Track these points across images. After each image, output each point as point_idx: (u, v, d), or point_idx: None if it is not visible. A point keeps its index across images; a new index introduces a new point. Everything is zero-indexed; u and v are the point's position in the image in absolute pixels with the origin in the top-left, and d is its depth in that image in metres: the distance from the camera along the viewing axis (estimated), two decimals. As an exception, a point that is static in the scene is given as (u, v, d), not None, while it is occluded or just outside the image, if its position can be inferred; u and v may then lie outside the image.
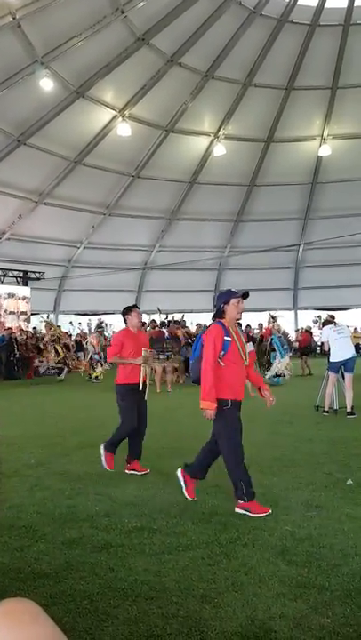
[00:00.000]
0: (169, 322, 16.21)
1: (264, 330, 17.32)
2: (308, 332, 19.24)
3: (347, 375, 8.94)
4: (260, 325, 19.14)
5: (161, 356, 13.34)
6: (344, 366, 8.98)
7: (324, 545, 3.56)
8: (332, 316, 9.68)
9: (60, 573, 3.23)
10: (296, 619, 2.67)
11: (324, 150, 22.89)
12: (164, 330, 14.09)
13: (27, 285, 23.71)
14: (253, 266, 27.00)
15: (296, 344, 21.57)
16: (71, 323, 25.26)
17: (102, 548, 3.60)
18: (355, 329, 27.58)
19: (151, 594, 2.95)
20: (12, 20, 14.72)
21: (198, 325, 17.58)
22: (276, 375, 14.40)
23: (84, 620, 2.70)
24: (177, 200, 24.79)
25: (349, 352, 8.95)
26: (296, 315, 29.06)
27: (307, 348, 17.83)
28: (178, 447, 6.69)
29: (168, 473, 5.40)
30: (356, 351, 24.79)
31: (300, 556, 3.40)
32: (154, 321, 16.97)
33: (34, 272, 24.04)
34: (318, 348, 19.59)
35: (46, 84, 16.86)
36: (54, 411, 10.61)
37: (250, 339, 12.75)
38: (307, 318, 26.74)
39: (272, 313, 16.74)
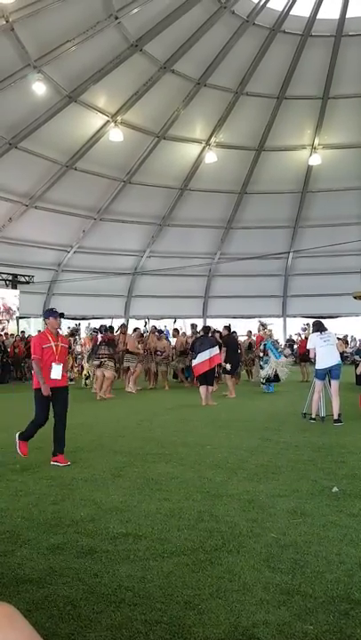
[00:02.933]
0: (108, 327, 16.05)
1: (255, 337, 17.32)
2: (308, 338, 19.27)
3: (333, 382, 8.98)
4: (249, 332, 19.15)
5: (95, 362, 13.27)
6: (330, 373, 9.01)
7: (309, 552, 3.56)
8: (320, 322, 9.66)
9: (43, 579, 3.21)
10: (280, 626, 2.67)
11: (315, 159, 23.07)
12: (99, 336, 13.72)
13: (15, 288, 23.61)
14: (243, 273, 27.10)
15: (288, 350, 21.59)
16: (68, 327, 25.13)
17: (87, 553, 3.58)
18: (343, 337, 27.74)
19: (135, 600, 2.94)
20: (5, 23, 14.72)
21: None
22: (268, 381, 14.39)
23: (66, 626, 2.68)
24: (168, 206, 24.85)
25: (335, 359, 8.98)
26: (285, 322, 29.16)
27: (306, 354, 17.88)
28: (165, 453, 6.67)
29: (154, 479, 5.39)
30: (342, 360, 24.80)
31: (285, 563, 3.40)
32: (124, 325, 16.79)
33: (23, 275, 23.94)
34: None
35: (39, 87, 16.87)
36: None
37: (217, 343, 12.55)
38: (295, 326, 26.84)
39: (262, 321, 16.77)
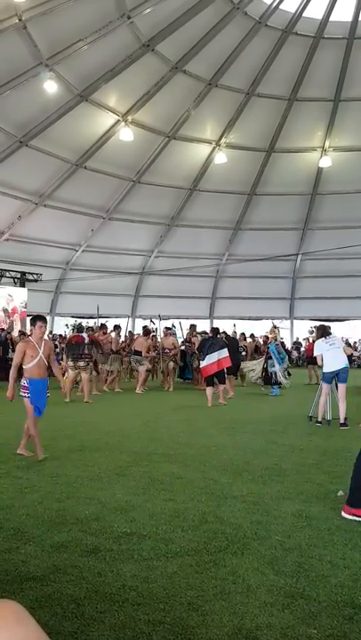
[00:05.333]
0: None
1: (270, 338, 17.17)
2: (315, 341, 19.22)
3: (340, 386, 8.94)
4: (252, 336, 19.12)
5: (80, 363, 12.55)
6: (337, 377, 8.98)
7: (314, 556, 3.55)
8: (324, 327, 9.62)
9: (47, 576, 3.21)
10: (283, 629, 2.66)
11: (325, 162, 23.00)
12: (84, 335, 13.20)
13: (24, 286, 23.70)
14: (251, 274, 27.06)
15: (295, 354, 21.61)
16: (67, 325, 25.26)
17: (91, 552, 3.58)
18: (346, 340, 27.63)
19: (138, 600, 2.94)
20: (18, 21, 14.76)
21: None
22: (274, 385, 14.32)
23: (69, 624, 2.68)
24: (177, 206, 24.85)
25: (341, 363, 8.94)
26: (292, 324, 29.10)
27: (313, 357, 17.80)
28: (169, 453, 6.67)
29: (159, 479, 5.39)
30: (349, 363, 24.52)
31: (289, 566, 3.39)
32: (103, 325, 15.88)
33: (31, 273, 24.03)
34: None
35: (50, 86, 16.91)
36: (45, 413, 10.54)
37: (225, 345, 12.42)
38: (303, 328, 26.77)
39: (275, 322, 16.75)
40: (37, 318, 6.56)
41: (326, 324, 10.09)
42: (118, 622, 2.71)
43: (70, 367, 12.73)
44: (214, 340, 12.16)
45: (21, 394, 6.38)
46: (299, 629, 2.66)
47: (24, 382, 6.40)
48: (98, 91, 18.51)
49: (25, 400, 6.38)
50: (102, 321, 17.17)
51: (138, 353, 14.83)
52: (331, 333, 9.36)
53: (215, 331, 12.92)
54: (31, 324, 6.62)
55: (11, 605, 0.91)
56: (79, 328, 13.99)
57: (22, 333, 20.95)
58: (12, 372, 6.48)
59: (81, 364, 12.58)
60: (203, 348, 12.17)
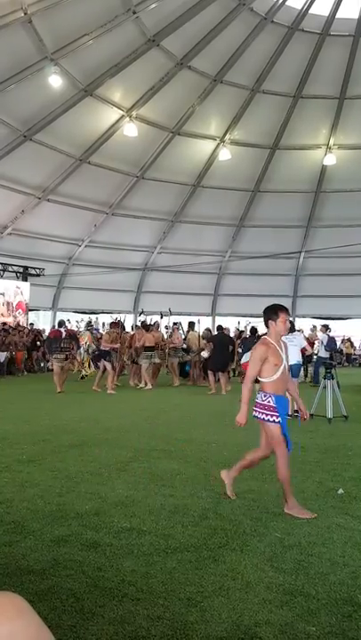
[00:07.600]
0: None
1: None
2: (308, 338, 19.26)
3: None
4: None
5: (59, 356, 13.39)
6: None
7: (313, 553, 3.55)
8: (291, 322, 9.84)
9: (47, 570, 3.22)
10: (282, 626, 2.67)
11: (330, 159, 22.93)
12: (62, 330, 13.98)
13: (26, 281, 23.70)
14: (254, 271, 27.01)
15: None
16: (69, 320, 25.25)
17: (91, 546, 3.59)
18: (349, 339, 27.58)
19: (137, 595, 2.95)
20: (23, 15, 14.71)
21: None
22: None
23: (69, 618, 2.69)
24: (180, 202, 24.81)
25: (290, 360, 9.18)
26: (294, 322, 29.07)
27: (308, 355, 17.84)
28: (170, 449, 6.68)
29: (159, 475, 5.40)
30: (348, 362, 24.60)
31: (289, 563, 3.39)
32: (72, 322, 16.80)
33: (34, 268, 24.03)
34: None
35: (55, 80, 16.85)
36: (46, 408, 10.59)
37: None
38: (305, 326, 26.72)
39: None
40: (279, 308, 4.43)
41: (328, 322, 10.15)
42: (117, 617, 2.72)
43: (54, 360, 13.69)
44: (251, 339, 12.92)
45: (264, 417, 4.40)
46: (297, 626, 2.66)
47: (267, 399, 4.41)
48: (102, 86, 18.47)
49: (271, 427, 4.35)
50: (104, 317, 17.39)
51: (148, 349, 14.85)
52: (293, 331, 9.59)
53: (253, 330, 13.49)
54: (268, 318, 4.45)
55: (12, 598, 0.91)
56: (59, 323, 14.56)
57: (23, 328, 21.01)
58: (248, 390, 4.51)
59: (60, 356, 13.40)
60: (244, 346, 13.12)
